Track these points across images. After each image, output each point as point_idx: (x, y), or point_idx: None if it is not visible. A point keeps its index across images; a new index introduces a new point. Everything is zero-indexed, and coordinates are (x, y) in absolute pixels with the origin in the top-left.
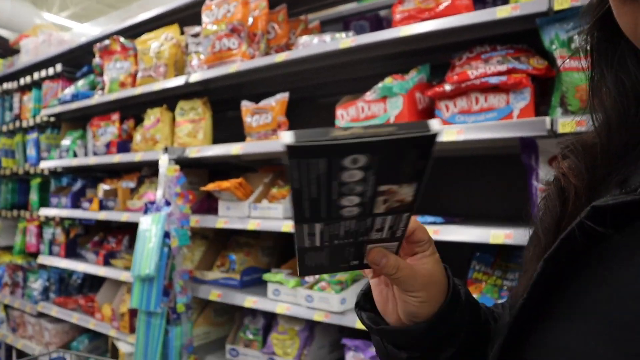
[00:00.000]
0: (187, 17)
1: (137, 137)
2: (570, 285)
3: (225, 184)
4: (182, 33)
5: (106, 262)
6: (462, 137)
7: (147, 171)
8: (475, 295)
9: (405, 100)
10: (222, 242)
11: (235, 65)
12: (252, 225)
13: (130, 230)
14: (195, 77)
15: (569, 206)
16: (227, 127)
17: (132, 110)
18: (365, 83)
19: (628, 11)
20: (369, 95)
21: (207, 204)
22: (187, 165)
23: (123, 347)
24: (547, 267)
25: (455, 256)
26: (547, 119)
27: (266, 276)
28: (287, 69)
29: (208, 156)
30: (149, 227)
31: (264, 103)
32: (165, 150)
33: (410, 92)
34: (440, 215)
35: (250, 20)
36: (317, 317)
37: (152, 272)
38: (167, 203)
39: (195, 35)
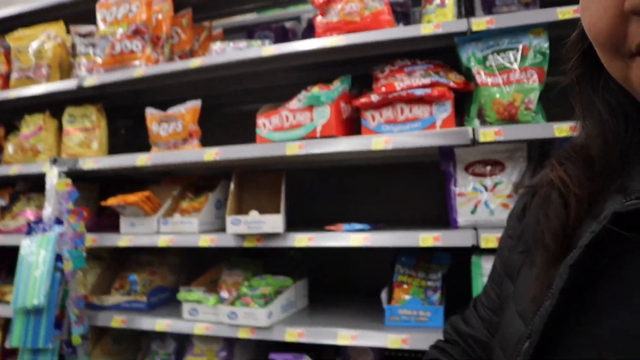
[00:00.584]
0: (72, 14)
1: (10, 147)
2: (597, 290)
3: (131, 197)
4: (68, 32)
5: None
6: (391, 146)
7: (23, 186)
8: (403, 297)
9: (332, 110)
10: (119, 262)
11: (141, 70)
12: (163, 241)
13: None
14: (91, 81)
15: (572, 213)
16: (120, 136)
17: (1, 116)
18: (282, 92)
19: (617, 66)
20: (294, 104)
21: (100, 221)
22: (77, 179)
23: None
24: (573, 273)
25: (380, 261)
26: (470, 129)
27: (181, 295)
28: (200, 76)
29: (106, 168)
30: (35, 251)
31: (173, 111)
32: (54, 161)
33: (337, 102)
34: (366, 223)
35: (154, 22)
36: (242, 334)
37: (42, 302)
38: (58, 221)
39: (85, 35)
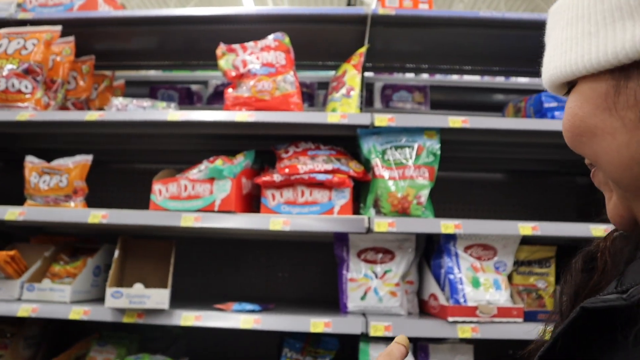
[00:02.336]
0: None
1: None
2: None
3: None
4: None
5: None
6: (289, 228)
7: None
8: None
9: (233, 185)
10: None
11: (27, 114)
12: (24, 311)
13: None
14: None
15: (594, 278)
16: None
17: None
18: (181, 156)
19: None
20: (195, 173)
21: None
22: None
23: None
24: (553, 345)
25: (266, 342)
26: (366, 218)
27: None
28: (95, 129)
29: None
30: None
31: (58, 163)
32: None
33: (238, 177)
34: (256, 300)
35: (51, 64)
36: None
37: None
38: None
39: None
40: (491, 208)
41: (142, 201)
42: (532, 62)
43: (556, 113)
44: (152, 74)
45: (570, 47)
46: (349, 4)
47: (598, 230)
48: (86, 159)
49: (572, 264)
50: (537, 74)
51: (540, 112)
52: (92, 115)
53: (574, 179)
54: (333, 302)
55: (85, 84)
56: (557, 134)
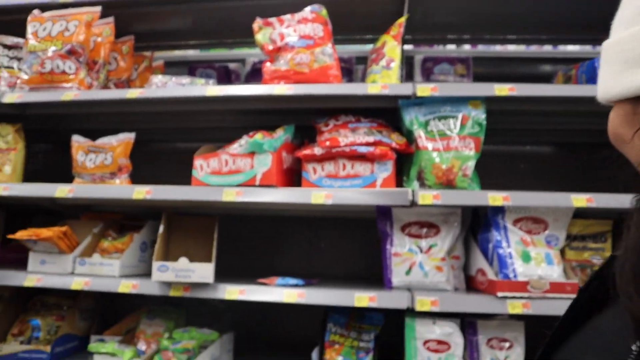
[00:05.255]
0: None
1: None
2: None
3: (45, 232)
4: None
5: None
6: (331, 201)
7: None
8: (334, 357)
9: (273, 159)
10: (21, 303)
11: (72, 94)
12: (77, 284)
13: None
14: (12, 98)
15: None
16: (36, 161)
17: None
18: (221, 134)
19: None
20: (235, 148)
21: (3, 254)
22: None
23: None
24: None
25: (310, 317)
26: (410, 190)
27: (92, 347)
28: (136, 108)
29: (20, 197)
30: None
31: (102, 141)
32: None
33: (279, 151)
34: (299, 276)
35: (92, 45)
36: None
37: None
38: None
39: (10, 47)
40: (540, 183)
41: (184, 179)
42: (581, 28)
43: None
44: (190, 53)
45: (606, 79)
46: None
47: None
48: (129, 137)
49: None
50: (587, 41)
51: (594, 80)
52: (133, 93)
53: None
54: (377, 279)
55: (125, 64)
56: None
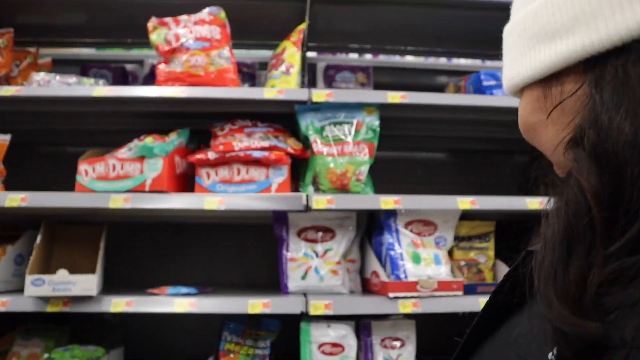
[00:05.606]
0: None
1: None
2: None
3: None
4: None
5: None
6: (224, 207)
7: None
8: None
9: (165, 163)
10: None
11: None
12: None
13: None
14: None
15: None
16: None
17: None
18: (112, 137)
19: None
20: (124, 152)
21: None
22: None
23: None
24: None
25: (205, 327)
26: (304, 195)
27: None
28: (13, 107)
29: None
30: None
31: None
32: None
33: (171, 155)
34: (193, 285)
35: None
36: None
37: None
38: None
39: None
40: (432, 188)
41: (71, 185)
42: (474, 43)
43: (494, 91)
44: (85, 52)
45: (510, 66)
46: None
47: (533, 203)
48: (3, 139)
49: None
50: (478, 55)
51: (480, 90)
52: (7, 91)
53: (513, 158)
54: (275, 285)
55: (3, 59)
56: (495, 110)
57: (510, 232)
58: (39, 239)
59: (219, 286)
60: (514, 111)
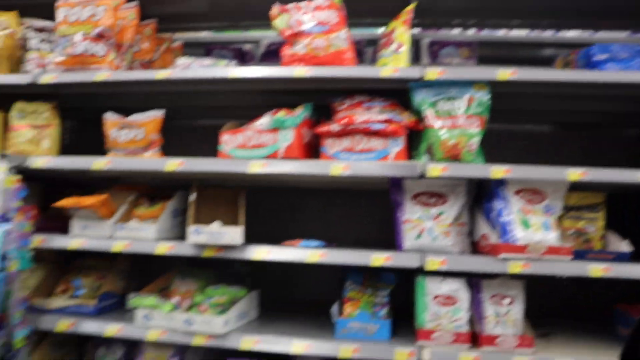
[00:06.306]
0: (28, 6)
1: None
2: None
3: (87, 200)
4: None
5: None
6: (348, 173)
7: None
8: (352, 311)
9: (295, 134)
10: (62, 265)
11: (104, 74)
12: (118, 246)
13: None
14: (48, 79)
15: None
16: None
17: None
18: (241, 112)
19: None
20: (259, 124)
21: (43, 223)
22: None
23: None
24: None
25: (327, 279)
26: (418, 164)
27: (135, 301)
28: (161, 87)
29: (59, 169)
30: None
31: (134, 118)
32: (3, 157)
33: (299, 127)
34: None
35: (118, 28)
36: (197, 340)
37: None
38: (5, 219)
39: (41, 30)
40: (540, 160)
41: (208, 154)
42: (581, 15)
43: (606, 65)
44: (203, 35)
45: None
46: None
47: None
48: (158, 114)
49: None
50: (587, 26)
51: (590, 65)
52: (161, 74)
53: (622, 131)
54: (387, 244)
55: (148, 46)
56: (605, 85)
57: (622, 205)
58: (193, 196)
59: (342, 243)
60: (626, 86)
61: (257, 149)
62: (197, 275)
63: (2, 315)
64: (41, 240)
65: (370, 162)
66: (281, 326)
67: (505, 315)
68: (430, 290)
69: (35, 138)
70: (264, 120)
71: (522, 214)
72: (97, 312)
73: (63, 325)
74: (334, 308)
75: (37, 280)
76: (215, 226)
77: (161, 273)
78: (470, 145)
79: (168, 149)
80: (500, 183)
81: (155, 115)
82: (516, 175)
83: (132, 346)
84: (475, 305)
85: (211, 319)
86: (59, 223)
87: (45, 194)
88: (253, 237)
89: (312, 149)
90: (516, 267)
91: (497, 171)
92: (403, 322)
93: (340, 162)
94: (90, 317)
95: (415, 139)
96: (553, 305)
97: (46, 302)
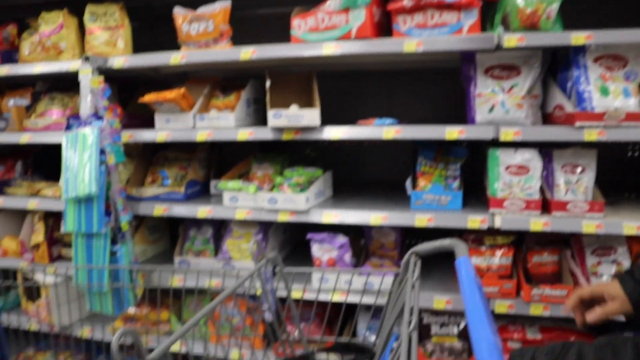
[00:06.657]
0: None
1: (27, 46)
2: None
3: (169, 94)
4: None
5: None
6: (422, 49)
7: (43, 86)
8: (426, 184)
9: (367, 12)
10: (147, 159)
11: None
12: (201, 136)
13: (23, 153)
14: None
15: None
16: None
17: (7, 14)
18: None
19: None
20: (330, 5)
21: (129, 119)
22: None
23: (44, 278)
24: None
25: (399, 156)
26: (495, 35)
27: (222, 184)
28: None
29: (138, 67)
30: (80, 145)
31: (203, 10)
32: (87, 59)
33: (371, 5)
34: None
35: None
36: (282, 217)
37: (94, 190)
38: (98, 117)
39: None
40: (619, 23)
41: (274, 41)
42: None
43: None
44: None
45: None
46: None
47: None
48: (226, 4)
49: None
50: None
51: None
52: None
53: None
54: (457, 120)
55: None
56: None
57: None
58: (268, 82)
59: (413, 120)
60: None
61: (329, 31)
62: (272, 159)
63: (107, 203)
64: (130, 136)
65: (444, 36)
66: (356, 202)
67: (577, 183)
68: (503, 160)
69: (111, 39)
70: (334, 1)
71: (601, 81)
72: (185, 198)
73: (159, 210)
74: (408, 182)
75: (128, 173)
76: (294, 109)
77: (236, 161)
78: (549, 12)
79: (237, 40)
80: (579, 50)
81: (223, 5)
82: (598, 40)
83: (220, 225)
84: (547, 175)
85: (294, 197)
86: (138, 120)
87: (119, 94)
88: (324, 121)
89: (383, 28)
90: (592, 134)
91: (578, 37)
92: (472, 195)
93: (414, 39)
94: (181, 202)
95: (490, 10)
96: (623, 178)
97: (141, 191)
